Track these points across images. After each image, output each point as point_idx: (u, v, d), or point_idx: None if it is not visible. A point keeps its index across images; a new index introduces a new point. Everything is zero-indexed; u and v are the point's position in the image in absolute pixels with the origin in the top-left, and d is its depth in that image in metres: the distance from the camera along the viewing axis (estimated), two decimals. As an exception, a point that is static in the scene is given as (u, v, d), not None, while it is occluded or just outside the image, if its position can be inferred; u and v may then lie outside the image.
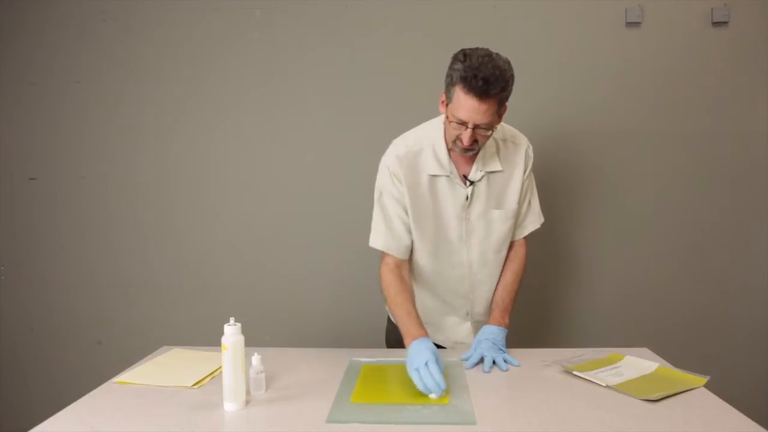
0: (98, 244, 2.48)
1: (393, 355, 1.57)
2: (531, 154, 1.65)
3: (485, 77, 1.35)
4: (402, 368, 1.47)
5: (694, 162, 2.30)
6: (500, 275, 1.68)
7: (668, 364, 1.49)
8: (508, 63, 1.42)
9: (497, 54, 1.42)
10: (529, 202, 1.68)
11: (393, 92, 2.32)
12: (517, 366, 1.48)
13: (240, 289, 2.44)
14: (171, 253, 2.46)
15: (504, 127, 1.64)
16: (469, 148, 1.47)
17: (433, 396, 1.29)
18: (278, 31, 2.36)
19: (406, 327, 1.48)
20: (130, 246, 2.47)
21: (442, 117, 1.52)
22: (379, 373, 1.47)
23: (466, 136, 1.43)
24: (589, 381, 1.37)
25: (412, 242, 1.62)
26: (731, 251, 2.32)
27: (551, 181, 2.31)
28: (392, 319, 1.79)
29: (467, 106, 1.39)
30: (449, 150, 1.55)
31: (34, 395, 2.53)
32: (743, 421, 1.16)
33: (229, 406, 1.26)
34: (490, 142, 1.57)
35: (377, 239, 1.62)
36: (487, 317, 1.69)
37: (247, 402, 1.29)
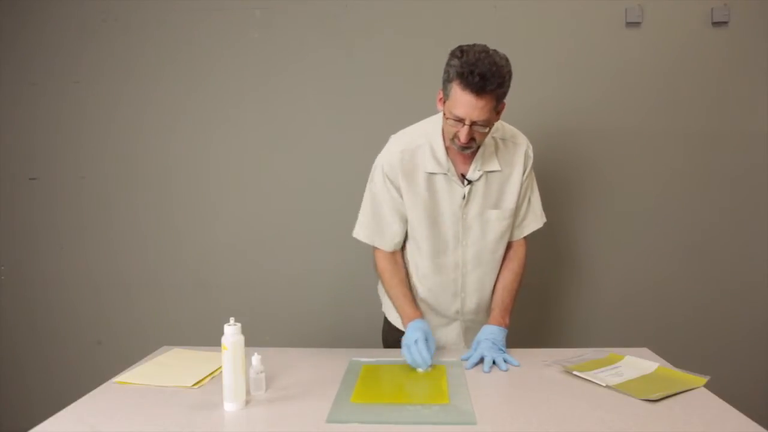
0: (98, 244, 2.48)
1: (393, 355, 1.56)
2: (531, 154, 1.64)
3: (482, 73, 1.35)
4: (402, 368, 1.48)
5: (694, 162, 2.30)
6: (500, 275, 1.68)
7: (668, 364, 1.49)
8: (506, 59, 1.42)
9: (495, 50, 1.41)
10: (529, 201, 1.67)
11: (393, 92, 2.32)
12: (517, 366, 1.48)
13: (240, 289, 2.44)
14: (171, 253, 2.46)
15: (504, 127, 1.64)
16: (466, 146, 1.46)
17: (420, 370, 1.44)
18: (278, 31, 2.36)
19: (402, 309, 1.60)
20: (130, 246, 2.47)
21: (441, 114, 1.51)
22: (379, 373, 1.47)
23: (463, 133, 1.43)
24: (589, 381, 1.37)
25: (409, 240, 1.63)
26: (731, 251, 2.32)
27: (551, 181, 2.31)
28: (389, 319, 1.79)
29: (464, 102, 1.39)
30: (447, 148, 1.55)
31: (34, 395, 2.53)
32: (743, 421, 1.16)
33: (229, 406, 1.26)
34: (489, 141, 1.57)
35: (361, 232, 1.67)
36: (477, 317, 1.70)
37: (247, 402, 1.29)
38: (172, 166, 2.44)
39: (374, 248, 1.68)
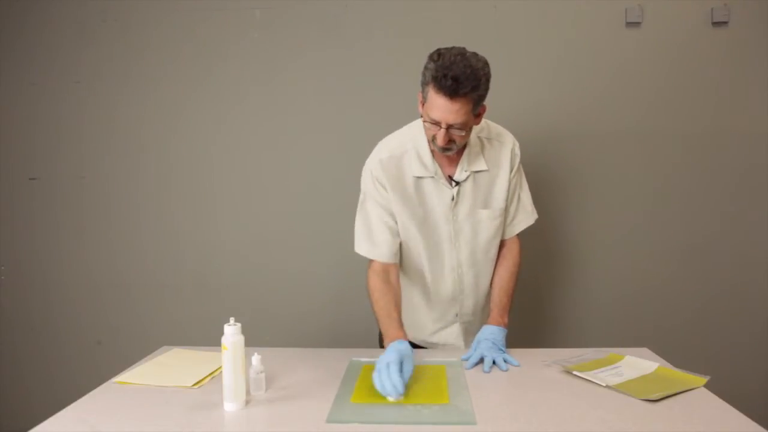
0: (98, 244, 2.48)
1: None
2: (518, 152, 1.63)
3: (455, 76, 1.34)
4: (402, 368, 1.47)
5: (693, 162, 2.30)
6: (496, 274, 1.67)
7: (668, 364, 1.49)
8: (484, 62, 1.41)
9: (473, 53, 1.40)
10: (519, 198, 1.66)
11: (393, 92, 2.32)
12: (517, 366, 1.48)
13: (240, 289, 2.44)
14: (171, 253, 2.46)
15: (489, 126, 1.63)
16: (446, 148, 1.46)
17: (390, 398, 1.27)
18: (278, 31, 2.36)
19: (385, 328, 1.50)
20: (131, 246, 2.47)
21: None
22: (379, 373, 1.47)
23: (440, 136, 1.42)
24: (589, 381, 1.37)
25: (401, 245, 1.62)
26: (731, 251, 2.32)
27: (551, 181, 2.32)
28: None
29: (439, 105, 1.38)
30: (432, 151, 1.54)
31: (34, 395, 2.53)
32: (743, 421, 1.16)
33: (229, 406, 1.26)
34: (475, 141, 1.57)
35: (361, 246, 1.62)
36: (474, 317, 1.69)
37: (247, 402, 1.29)
38: (172, 165, 2.44)
39: (368, 264, 1.62)
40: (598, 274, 2.36)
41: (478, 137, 1.59)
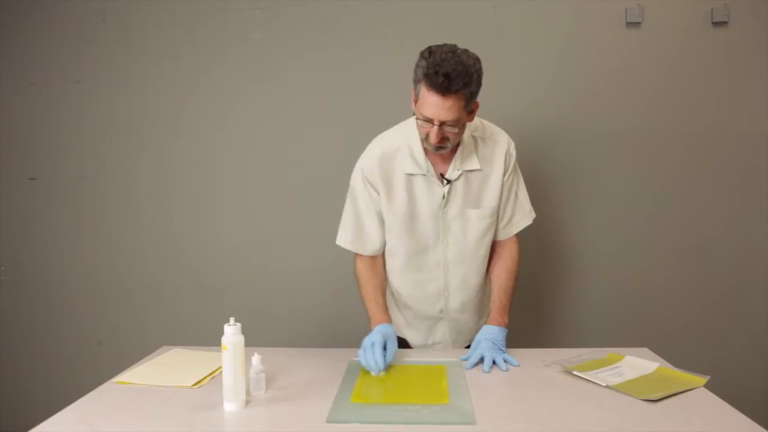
0: (98, 244, 2.48)
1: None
2: (513, 152, 1.62)
3: (446, 73, 1.34)
4: (401, 368, 1.48)
5: (693, 162, 2.30)
6: (494, 274, 1.67)
7: (668, 364, 1.49)
8: (475, 59, 1.41)
9: (465, 50, 1.41)
10: (517, 197, 1.66)
11: (393, 92, 2.31)
12: (517, 366, 1.48)
13: (240, 289, 2.44)
14: (171, 254, 2.46)
15: (484, 125, 1.63)
16: (439, 146, 1.46)
17: (372, 374, 1.41)
18: (278, 31, 2.36)
19: (371, 312, 1.59)
20: (131, 246, 2.47)
21: None
22: (379, 373, 1.47)
23: (433, 133, 1.43)
24: (589, 381, 1.37)
25: (387, 241, 1.63)
26: (731, 251, 2.32)
27: (551, 181, 2.32)
28: None
29: (431, 102, 1.39)
30: (425, 149, 1.54)
31: (34, 395, 2.53)
32: (743, 421, 1.16)
33: (229, 406, 1.26)
34: (468, 140, 1.57)
35: (344, 239, 1.66)
36: (462, 316, 1.69)
37: (247, 402, 1.29)
38: (172, 165, 2.44)
39: (355, 253, 1.68)
40: (598, 273, 2.36)
41: (472, 136, 1.59)
